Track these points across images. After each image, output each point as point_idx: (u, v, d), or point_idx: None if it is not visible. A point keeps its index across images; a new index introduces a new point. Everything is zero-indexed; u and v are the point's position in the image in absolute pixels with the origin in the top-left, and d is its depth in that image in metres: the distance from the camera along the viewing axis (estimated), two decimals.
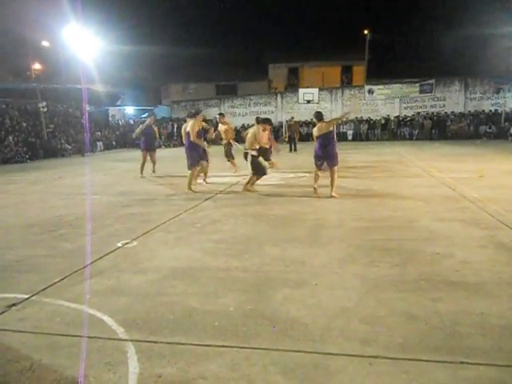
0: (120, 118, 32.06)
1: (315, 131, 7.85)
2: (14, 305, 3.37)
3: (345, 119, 25.95)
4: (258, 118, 9.14)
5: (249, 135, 8.58)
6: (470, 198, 6.99)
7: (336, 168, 7.71)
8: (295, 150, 18.62)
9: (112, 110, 31.73)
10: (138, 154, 11.74)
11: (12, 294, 3.60)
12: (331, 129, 7.70)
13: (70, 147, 22.68)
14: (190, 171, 8.66)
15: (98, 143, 25.53)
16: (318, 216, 6.20)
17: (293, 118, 22.26)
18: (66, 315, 3.17)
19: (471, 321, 2.89)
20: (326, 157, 7.71)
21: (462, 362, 2.41)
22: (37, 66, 25.21)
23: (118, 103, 32.78)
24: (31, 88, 22.38)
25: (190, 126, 8.59)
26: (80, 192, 9.24)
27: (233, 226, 5.78)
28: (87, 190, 9.35)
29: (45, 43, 25.27)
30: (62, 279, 3.91)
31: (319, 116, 7.86)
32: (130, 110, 33.41)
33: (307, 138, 24.27)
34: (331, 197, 7.54)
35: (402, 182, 9.20)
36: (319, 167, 7.90)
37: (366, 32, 31.33)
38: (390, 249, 4.53)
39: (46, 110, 22.23)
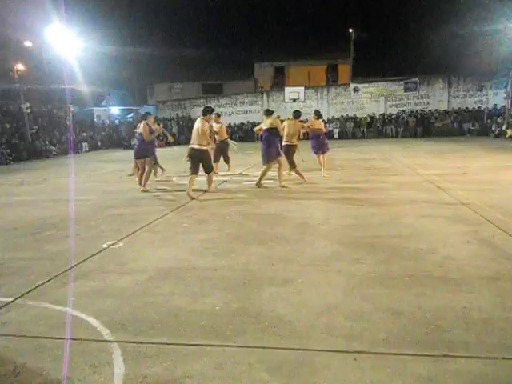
0: (105, 119, 31.76)
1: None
2: None
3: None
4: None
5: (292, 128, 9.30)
6: (453, 195, 7.09)
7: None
8: (281, 148, 18.61)
9: (97, 111, 31.41)
10: (122, 154, 11.65)
11: None
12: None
13: (54, 148, 22.41)
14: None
15: (83, 144, 25.27)
16: (304, 214, 6.23)
17: (279, 116, 22.30)
18: (50, 318, 3.15)
19: (454, 315, 2.93)
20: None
21: (444, 356, 2.45)
22: (19, 66, 24.79)
23: (103, 103, 32.49)
24: (14, 89, 22.06)
25: (266, 123, 8.85)
26: (65, 193, 9.13)
27: (219, 225, 5.78)
28: (72, 192, 9.25)
29: (27, 43, 24.88)
30: (47, 281, 3.87)
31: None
32: (115, 111, 33.11)
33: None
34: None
35: (386, 179, 9.28)
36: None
37: (350, 31, 31.49)
38: (374, 245, 4.57)
39: (29, 111, 21.92)
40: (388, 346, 2.59)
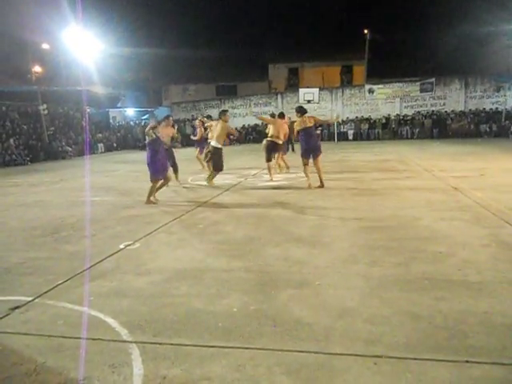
0: (120, 120, 32.08)
1: (297, 125, 8.76)
2: (17, 307, 3.37)
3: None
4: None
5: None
6: (471, 197, 6.99)
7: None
8: (293, 149, 18.49)
9: (112, 112, 31.76)
10: (137, 155, 11.74)
11: (15, 296, 3.61)
12: (311, 124, 8.64)
13: (70, 149, 22.70)
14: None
15: (98, 145, 25.57)
16: (320, 216, 6.20)
17: (289, 118, 22.38)
18: (69, 317, 3.18)
19: (475, 320, 2.88)
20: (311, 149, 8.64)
21: (466, 361, 2.40)
22: (37, 68, 25.24)
23: (119, 105, 32.82)
24: (32, 90, 22.39)
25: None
26: (81, 194, 9.25)
27: (235, 226, 5.78)
28: (88, 192, 9.36)
29: (45, 46, 25.30)
30: (65, 281, 3.91)
31: (302, 110, 8.76)
32: (130, 112, 33.45)
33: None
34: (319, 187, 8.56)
35: (403, 181, 9.19)
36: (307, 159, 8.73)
37: (365, 31, 31.27)
38: (392, 248, 4.53)
39: (46, 112, 22.23)
40: (408, 350, 2.55)
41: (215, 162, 9.09)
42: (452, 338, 2.66)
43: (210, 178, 9.39)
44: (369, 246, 4.62)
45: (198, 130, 12.04)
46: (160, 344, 2.72)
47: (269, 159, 10.15)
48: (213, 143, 9.03)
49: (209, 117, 12.78)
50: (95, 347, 2.73)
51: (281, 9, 48.93)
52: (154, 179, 7.65)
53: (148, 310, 3.25)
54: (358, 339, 2.69)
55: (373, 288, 3.49)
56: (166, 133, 8.54)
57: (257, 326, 2.92)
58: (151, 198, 7.67)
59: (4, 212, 7.65)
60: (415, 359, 2.45)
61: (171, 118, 9.17)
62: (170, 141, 8.81)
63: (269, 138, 10.10)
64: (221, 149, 9.00)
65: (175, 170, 9.56)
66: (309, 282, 3.68)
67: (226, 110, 9.67)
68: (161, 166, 7.66)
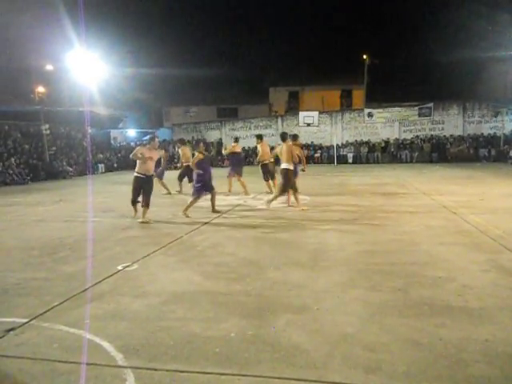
0: (121, 141, 32.28)
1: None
2: (12, 329, 3.33)
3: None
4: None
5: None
6: (471, 222, 6.98)
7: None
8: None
9: (114, 133, 31.97)
10: None
11: (10, 318, 3.56)
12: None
13: (71, 169, 22.76)
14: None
15: (99, 165, 25.64)
16: (319, 239, 6.18)
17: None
18: (64, 340, 3.13)
19: (476, 348, 2.84)
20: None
21: None
22: (40, 88, 25.56)
23: (120, 126, 33.06)
24: (34, 110, 22.60)
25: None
26: (80, 214, 9.22)
27: (234, 249, 5.75)
28: (87, 213, 9.34)
29: (49, 67, 25.67)
30: (62, 303, 3.87)
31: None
32: (131, 133, 33.65)
33: (307, 160, 24.31)
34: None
35: (402, 205, 9.19)
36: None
37: (364, 57, 31.78)
38: (391, 273, 4.50)
39: (48, 132, 22.39)
40: (408, 379, 2.50)
41: (288, 182, 8.90)
42: (452, 367, 2.62)
43: (298, 201, 9.05)
44: (367, 271, 4.59)
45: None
46: (155, 370, 2.68)
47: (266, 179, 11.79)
48: (284, 165, 8.86)
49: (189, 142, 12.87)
50: (90, 372, 2.68)
51: (282, 34, 49.97)
52: (196, 196, 8.32)
53: (144, 333, 3.21)
54: (357, 367, 2.65)
55: (372, 313, 3.45)
56: (151, 156, 7.80)
57: (254, 352, 2.87)
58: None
59: (3, 231, 7.62)
60: None
61: (157, 140, 8.48)
62: (154, 166, 8.02)
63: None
64: (292, 170, 8.91)
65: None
66: (307, 306, 3.64)
67: (286, 133, 9.55)
68: (207, 183, 8.34)
